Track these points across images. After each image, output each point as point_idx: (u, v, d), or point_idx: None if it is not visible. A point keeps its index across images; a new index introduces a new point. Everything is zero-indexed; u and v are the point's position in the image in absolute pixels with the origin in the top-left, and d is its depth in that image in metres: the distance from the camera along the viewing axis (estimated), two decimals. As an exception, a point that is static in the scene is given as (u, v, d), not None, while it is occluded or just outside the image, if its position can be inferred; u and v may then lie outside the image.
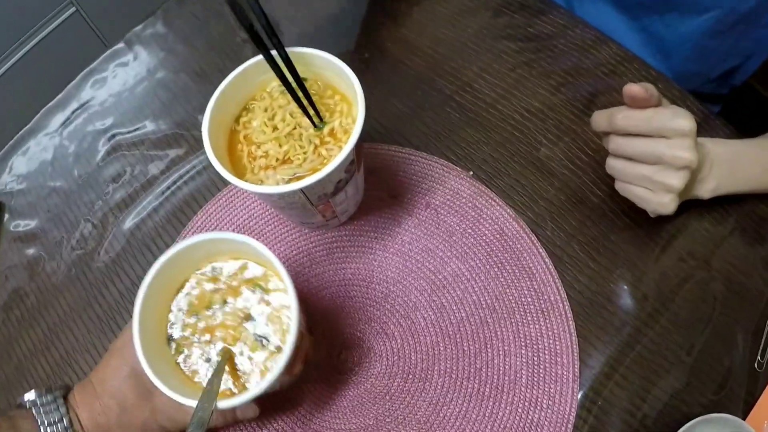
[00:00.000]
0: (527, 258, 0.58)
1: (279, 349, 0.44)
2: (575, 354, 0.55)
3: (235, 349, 0.45)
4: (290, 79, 0.48)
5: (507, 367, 0.55)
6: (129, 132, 0.67)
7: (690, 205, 0.56)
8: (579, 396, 0.53)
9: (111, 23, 1.20)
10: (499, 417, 0.54)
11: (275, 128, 0.50)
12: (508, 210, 0.59)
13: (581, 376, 0.53)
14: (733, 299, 0.56)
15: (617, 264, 0.57)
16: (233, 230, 0.61)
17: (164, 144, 0.66)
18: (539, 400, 0.54)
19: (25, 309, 0.61)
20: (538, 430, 0.53)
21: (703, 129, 0.62)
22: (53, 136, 0.69)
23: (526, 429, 0.53)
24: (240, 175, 0.49)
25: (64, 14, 1.16)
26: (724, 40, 0.65)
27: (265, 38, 0.45)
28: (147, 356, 0.41)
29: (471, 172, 0.60)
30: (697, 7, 0.63)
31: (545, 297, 0.56)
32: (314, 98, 0.50)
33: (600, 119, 0.50)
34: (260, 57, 0.46)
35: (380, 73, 0.66)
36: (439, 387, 0.55)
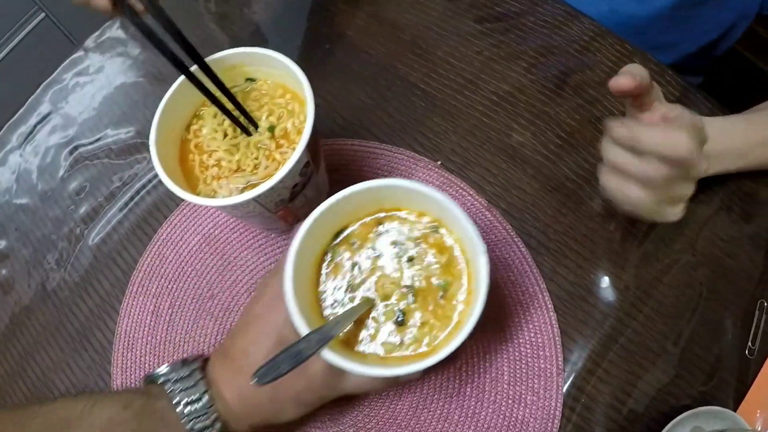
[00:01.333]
0: (503, 248, 0.55)
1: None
2: (558, 346, 0.52)
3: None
4: (222, 94, 0.46)
5: (487, 364, 0.53)
6: (91, 143, 0.65)
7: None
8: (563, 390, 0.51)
9: (81, 25, 1.19)
10: (482, 417, 0.52)
11: (226, 134, 0.48)
12: (481, 200, 0.56)
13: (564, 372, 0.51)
14: (720, 283, 0.53)
15: (596, 253, 0.54)
16: (198, 240, 0.59)
17: (126, 153, 0.64)
18: (523, 396, 0.52)
19: (-2, 332, 0.60)
20: (524, 427, 0.51)
21: (683, 104, 0.58)
22: (16, 152, 0.67)
23: (511, 427, 0.51)
24: (193, 187, 0.46)
25: (34, 20, 1.14)
26: (702, 10, 0.61)
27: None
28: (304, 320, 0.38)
29: (439, 162, 0.58)
30: None
31: (523, 288, 0.54)
32: (265, 98, 0.47)
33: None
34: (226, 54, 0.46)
35: (341, 64, 0.63)
36: (418, 389, 0.53)
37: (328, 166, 0.56)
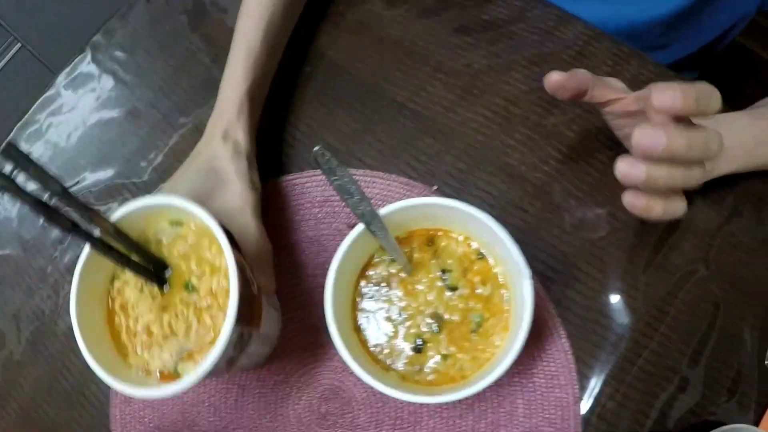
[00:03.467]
0: (509, 274, 0.53)
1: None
2: (573, 374, 0.50)
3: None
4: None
5: (501, 398, 0.51)
6: (69, 187, 0.62)
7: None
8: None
9: (58, 54, 1.16)
10: (498, 452, 0.50)
11: (152, 294, 0.41)
12: (482, 225, 0.54)
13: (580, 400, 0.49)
14: (735, 294, 0.51)
15: (606, 272, 0.52)
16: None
17: (106, 196, 0.61)
18: (540, 428, 0.50)
19: (-8, 392, 0.57)
20: (542, 460, 0.49)
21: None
22: (-7, 200, 0.64)
23: (529, 461, 0.49)
24: (124, 356, 0.41)
25: (11, 51, 1.11)
26: (701, 17, 0.58)
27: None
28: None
29: (435, 187, 0.55)
30: None
31: (533, 315, 0.52)
32: (188, 251, 0.41)
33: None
34: (134, 206, 0.41)
35: (324, 87, 0.60)
36: (431, 429, 0.51)
37: (318, 199, 0.53)
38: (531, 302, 0.41)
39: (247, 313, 0.40)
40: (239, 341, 0.39)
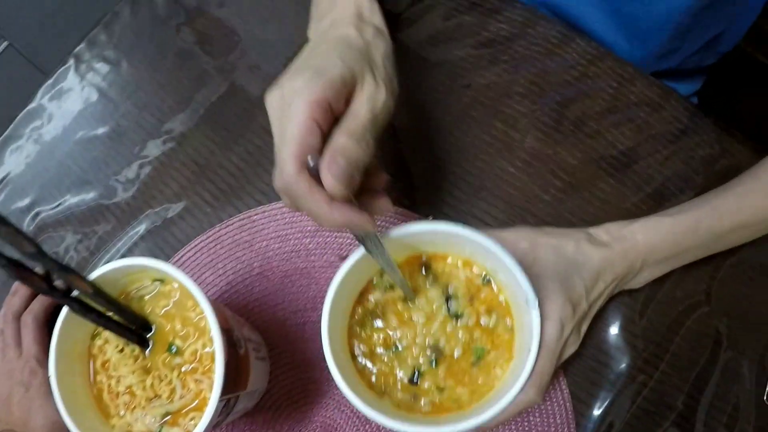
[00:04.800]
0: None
1: None
2: (570, 413, 0.49)
3: None
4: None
5: (494, 436, 0.50)
6: (52, 208, 0.60)
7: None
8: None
9: (46, 52, 1.12)
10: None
11: (134, 354, 0.40)
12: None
13: (576, 441, 0.48)
14: (737, 328, 0.50)
15: (604, 309, 0.50)
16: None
17: (90, 220, 0.59)
18: (534, 467, 0.49)
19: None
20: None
21: (691, 131, 0.54)
22: (-26, 219, 0.62)
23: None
24: (106, 415, 0.40)
25: (-2, 50, 1.07)
26: (708, 13, 0.55)
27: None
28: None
29: (430, 217, 0.53)
30: None
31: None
32: (172, 309, 0.39)
33: None
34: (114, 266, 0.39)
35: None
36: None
37: (307, 229, 0.51)
38: (538, 333, 0.39)
39: (234, 378, 0.38)
40: (225, 407, 0.38)
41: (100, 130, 0.62)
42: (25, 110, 0.65)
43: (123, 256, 0.58)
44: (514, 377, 0.39)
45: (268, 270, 0.53)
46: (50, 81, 0.65)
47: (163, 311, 0.39)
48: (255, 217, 0.55)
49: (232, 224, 0.55)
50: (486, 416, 0.38)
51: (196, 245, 0.55)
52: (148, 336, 0.39)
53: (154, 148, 0.60)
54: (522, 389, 0.39)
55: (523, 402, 0.40)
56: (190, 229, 0.56)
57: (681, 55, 0.63)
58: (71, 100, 0.64)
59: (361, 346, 0.44)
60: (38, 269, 0.34)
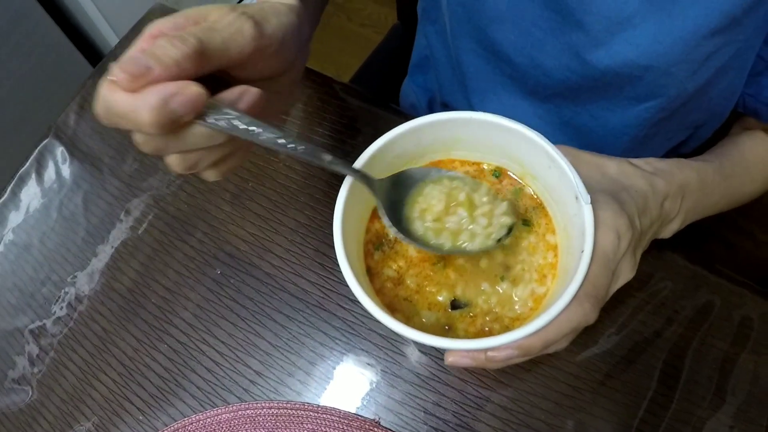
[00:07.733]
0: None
1: None
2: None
3: None
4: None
5: None
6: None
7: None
8: None
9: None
10: None
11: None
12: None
13: None
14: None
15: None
16: None
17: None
18: None
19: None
20: None
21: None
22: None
23: None
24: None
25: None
26: (667, 125, 0.53)
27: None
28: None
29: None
30: (633, 94, 0.50)
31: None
32: None
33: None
34: None
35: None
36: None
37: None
38: (592, 232, 0.36)
39: None
40: None
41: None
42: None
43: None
44: (563, 288, 0.35)
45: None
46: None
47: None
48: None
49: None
50: (533, 326, 0.34)
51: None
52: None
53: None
54: (575, 296, 0.34)
55: (576, 315, 0.35)
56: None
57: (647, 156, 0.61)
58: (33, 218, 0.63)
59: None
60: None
